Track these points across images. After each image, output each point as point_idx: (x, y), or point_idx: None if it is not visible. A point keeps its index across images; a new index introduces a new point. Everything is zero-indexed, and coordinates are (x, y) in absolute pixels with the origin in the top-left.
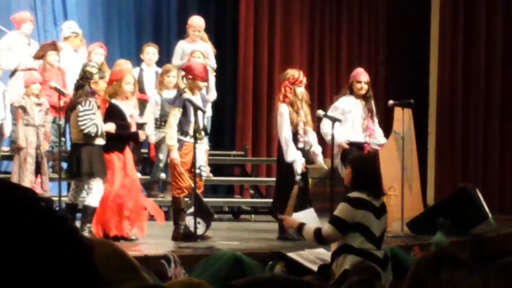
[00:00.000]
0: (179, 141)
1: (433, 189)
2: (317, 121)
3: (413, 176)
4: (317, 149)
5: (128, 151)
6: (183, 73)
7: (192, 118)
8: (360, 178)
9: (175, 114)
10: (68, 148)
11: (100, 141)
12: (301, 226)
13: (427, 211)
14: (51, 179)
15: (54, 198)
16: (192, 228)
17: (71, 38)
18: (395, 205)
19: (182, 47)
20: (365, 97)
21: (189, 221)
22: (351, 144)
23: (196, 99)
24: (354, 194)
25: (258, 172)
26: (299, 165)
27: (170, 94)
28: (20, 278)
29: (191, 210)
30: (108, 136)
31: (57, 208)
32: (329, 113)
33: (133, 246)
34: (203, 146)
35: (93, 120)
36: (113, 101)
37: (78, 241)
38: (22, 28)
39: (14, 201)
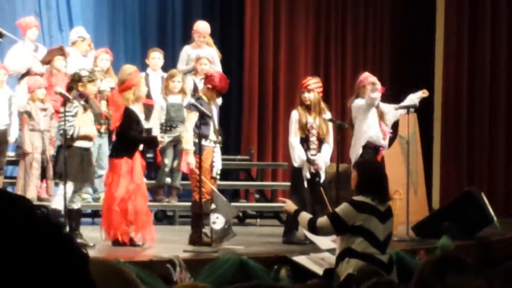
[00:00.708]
0: (201, 146)
1: (438, 193)
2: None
3: (419, 180)
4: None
5: (137, 157)
6: (194, 78)
7: (211, 122)
8: (366, 182)
9: (192, 118)
10: None
11: (82, 144)
12: (298, 211)
13: (433, 215)
14: (56, 184)
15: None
16: (211, 223)
17: (78, 43)
18: (400, 209)
19: (187, 52)
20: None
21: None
22: (367, 146)
23: (212, 106)
24: (359, 198)
25: (263, 177)
26: (305, 169)
27: (175, 99)
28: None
29: (213, 207)
30: (123, 141)
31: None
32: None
33: (140, 251)
34: (219, 149)
35: (70, 122)
36: (130, 107)
37: (73, 249)
38: (28, 34)
39: (6, 209)
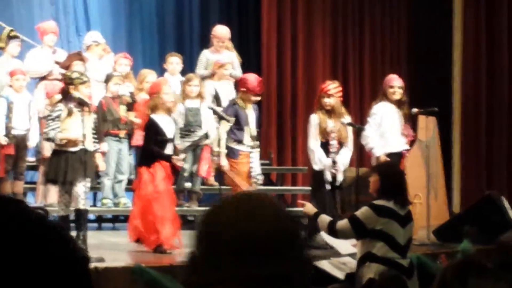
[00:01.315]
0: (234, 150)
1: (459, 197)
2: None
3: (438, 184)
4: (340, 162)
5: (158, 165)
6: (207, 82)
7: (246, 127)
8: (386, 186)
9: (225, 123)
10: None
11: (69, 149)
12: (317, 213)
13: (453, 219)
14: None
15: None
16: None
17: (92, 47)
18: (420, 213)
19: (206, 56)
20: (400, 102)
21: None
22: (392, 154)
23: (248, 110)
24: (379, 202)
25: (283, 181)
26: (328, 173)
27: (193, 103)
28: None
29: None
30: (142, 150)
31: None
32: (371, 117)
33: (162, 256)
34: (257, 154)
35: (50, 126)
36: (152, 116)
37: (73, 250)
38: (45, 39)
39: (4, 213)
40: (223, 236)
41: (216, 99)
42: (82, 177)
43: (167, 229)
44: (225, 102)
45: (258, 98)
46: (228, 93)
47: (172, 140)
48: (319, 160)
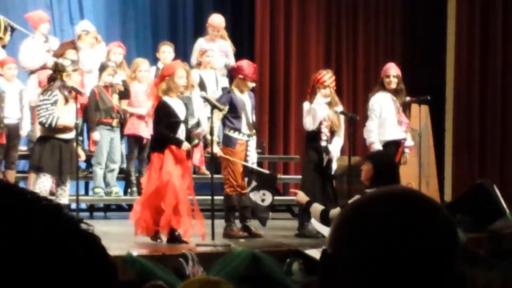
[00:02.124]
0: (232, 139)
1: (451, 186)
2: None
3: (431, 172)
4: (333, 149)
5: (169, 151)
6: (200, 71)
7: (243, 115)
8: (379, 174)
9: (217, 111)
10: (86, 147)
11: (61, 135)
12: (310, 202)
13: (445, 208)
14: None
15: (72, 197)
16: (259, 202)
17: (82, 36)
18: None
19: (201, 45)
20: (396, 91)
21: (254, 195)
22: (389, 143)
23: (244, 96)
24: (372, 191)
25: (275, 170)
26: (319, 112)
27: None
28: None
29: (253, 185)
30: (154, 134)
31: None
32: (371, 111)
33: (153, 245)
34: (254, 142)
35: (49, 110)
36: (165, 98)
37: (103, 260)
38: (40, 28)
39: (33, 214)
40: (374, 240)
41: (201, 87)
42: (70, 172)
43: (177, 218)
44: (210, 90)
45: (254, 84)
46: (212, 81)
47: (185, 122)
48: (313, 117)
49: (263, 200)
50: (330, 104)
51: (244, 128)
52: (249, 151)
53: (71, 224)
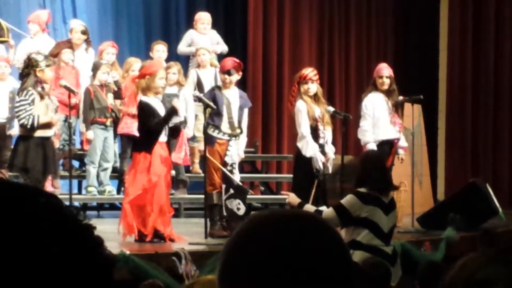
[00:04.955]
0: (212, 137)
1: (443, 184)
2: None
3: (423, 171)
4: (329, 149)
5: (156, 151)
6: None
7: (225, 114)
8: (368, 173)
9: (202, 109)
10: (78, 146)
11: (43, 133)
12: (302, 204)
13: (437, 206)
14: (62, 177)
15: (65, 196)
16: (235, 210)
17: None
18: (405, 200)
19: (191, 35)
20: (389, 92)
21: (230, 203)
22: (383, 143)
23: (230, 94)
24: (363, 189)
25: (268, 169)
26: (319, 160)
27: (171, 90)
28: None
29: (230, 193)
30: (143, 134)
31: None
32: (364, 111)
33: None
34: (238, 142)
35: (28, 111)
36: (143, 98)
37: (100, 253)
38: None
39: (36, 209)
40: (257, 266)
41: (199, 86)
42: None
43: (162, 218)
44: (207, 89)
45: (230, 78)
46: (211, 80)
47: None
48: (311, 149)
49: (238, 209)
50: (320, 100)
51: (225, 127)
52: (229, 151)
53: (71, 216)
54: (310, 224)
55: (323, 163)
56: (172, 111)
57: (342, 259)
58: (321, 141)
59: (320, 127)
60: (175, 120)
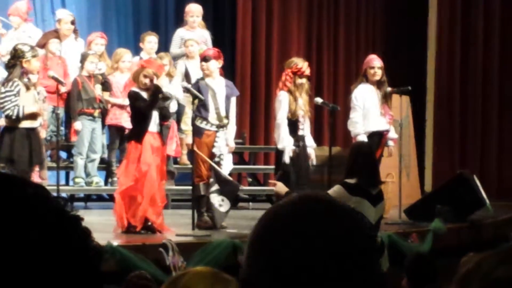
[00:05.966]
0: (200, 129)
1: (431, 176)
2: (315, 108)
3: (411, 163)
4: (309, 141)
5: (147, 141)
6: (179, 60)
7: (211, 104)
8: (359, 166)
9: (189, 100)
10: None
11: (29, 124)
12: (289, 193)
13: (425, 198)
14: (49, 168)
15: (52, 187)
16: (217, 206)
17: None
18: (392, 192)
19: (180, 35)
20: (379, 83)
21: (213, 198)
22: (372, 134)
23: (215, 84)
24: (351, 180)
25: (256, 160)
26: (287, 153)
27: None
28: (23, 279)
29: (214, 188)
30: (134, 123)
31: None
32: (355, 103)
33: (134, 235)
34: (226, 133)
35: (13, 102)
36: (133, 88)
37: (88, 244)
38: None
39: (24, 199)
40: (281, 253)
41: (187, 77)
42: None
43: (153, 208)
44: (194, 80)
45: (207, 64)
46: (199, 72)
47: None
48: (286, 140)
49: (220, 206)
50: (305, 92)
51: (212, 117)
52: (216, 142)
53: (59, 207)
54: (334, 210)
55: (305, 155)
56: (156, 90)
57: (370, 243)
58: (300, 132)
59: (301, 119)
60: (162, 103)
